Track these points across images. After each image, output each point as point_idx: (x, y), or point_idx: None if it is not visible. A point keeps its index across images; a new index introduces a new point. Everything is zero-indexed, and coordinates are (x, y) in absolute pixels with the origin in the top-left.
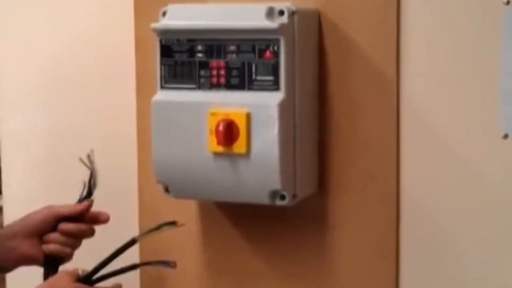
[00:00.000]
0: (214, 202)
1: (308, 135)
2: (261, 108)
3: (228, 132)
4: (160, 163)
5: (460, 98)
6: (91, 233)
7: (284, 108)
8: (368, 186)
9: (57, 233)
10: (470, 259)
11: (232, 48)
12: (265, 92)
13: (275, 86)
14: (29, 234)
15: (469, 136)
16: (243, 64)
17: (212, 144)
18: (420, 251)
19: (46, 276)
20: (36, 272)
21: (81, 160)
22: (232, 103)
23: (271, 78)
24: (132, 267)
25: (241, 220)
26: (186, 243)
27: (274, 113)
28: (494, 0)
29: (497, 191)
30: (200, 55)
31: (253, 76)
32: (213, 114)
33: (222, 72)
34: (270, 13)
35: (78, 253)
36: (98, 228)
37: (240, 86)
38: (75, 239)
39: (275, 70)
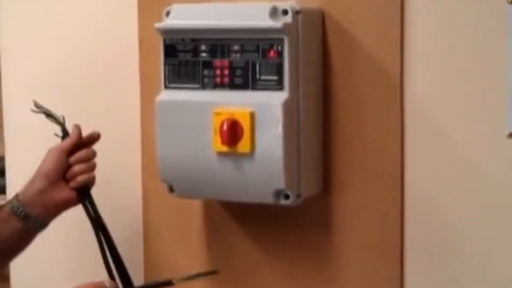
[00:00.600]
0: (218, 202)
1: (312, 135)
2: (265, 108)
3: (232, 132)
4: (164, 163)
5: (464, 96)
6: (95, 153)
7: (288, 107)
8: (372, 186)
9: (76, 166)
10: (475, 258)
11: (236, 47)
12: (269, 91)
13: (279, 86)
14: (53, 181)
15: (473, 134)
16: (247, 63)
17: (216, 144)
18: (425, 251)
19: (87, 208)
20: (39, 269)
21: (33, 110)
22: (236, 102)
23: (275, 77)
24: (167, 283)
25: (245, 219)
26: (190, 242)
27: (278, 112)
28: None
29: (501, 189)
30: (204, 54)
31: (257, 76)
32: (217, 113)
33: (226, 71)
34: (274, 12)
35: (84, 255)
36: None
37: (244, 86)
38: (89, 163)
39: (279, 70)
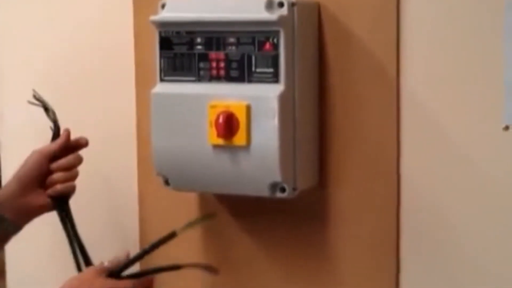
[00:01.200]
0: (214, 195)
1: (308, 128)
2: (261, 100)
3: (228, 125)
4: (160, 156)
5: (460, 91)
6: (80, 160)
7: (284, 100)
8: (368, 179)
9: (56, 173)
10: (472, 252)
11: (232, 40)
12: (265, 84)
13: (274, 78)
14: (29, 186)
15: (469, 129)
16: (242, 56)
17: (212, 137)
18: (421, 244)
19: (62, 217)
20: (35, 265)
21: (30, 102)
22: (232, 95)
23: (270, 70)
24: (175, 267)
25: (241, 212)
26: (185, 235)
27: (274, 105)
28: None
29: (498, 184)
30: (199, 47)
31: (253, 68)
32: (213, 106)
33: (222, 64)
34: (269, 5)
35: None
36: (100, 220)
37: (240, 78)
38: (71, 171)
39: (274, 62)
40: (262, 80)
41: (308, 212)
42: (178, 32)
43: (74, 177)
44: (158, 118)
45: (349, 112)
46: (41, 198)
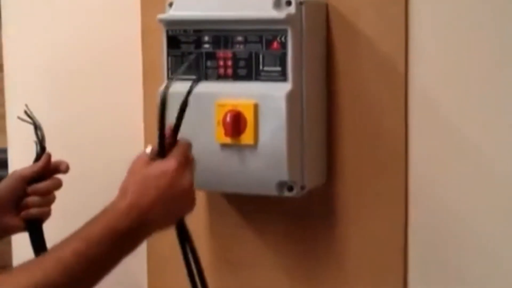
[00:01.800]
0: (221, 194)
1: (316, 126)
2: (268, 99)
3: (236, 123)
4: None
5: (470, 88)
6: (59, 185)
7: (292, 99)
8: (376, 177)
9: (31, 197)
10: (481, 248)
11: (239, 38)
12: (272, 83)
13: (282, 77)
14: (5, 206)
15: (478, 126)
16: (250, 54)
17: (220, 136)
18: (429, 242)
19: (33, 240)
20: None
21: (20, 118)
22: (239, 94)
23: (278, 69)
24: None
25: (248, 211)
26: (193, 234)
27: (282, 104)
28: None
29: (508, 178)
30: (207, 46)
31: (261, 67)
32: (220, 105)
33: (229, 63)
34: (277, 3)
35: None
36: None
37: (248, 77)
38: (48, 196)
39: (282, 61)
40: (269, 78)
41: (316, 211)
42: (185, 31)
43: (49, 202)
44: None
45: (357, 111)
46: (15, 219)
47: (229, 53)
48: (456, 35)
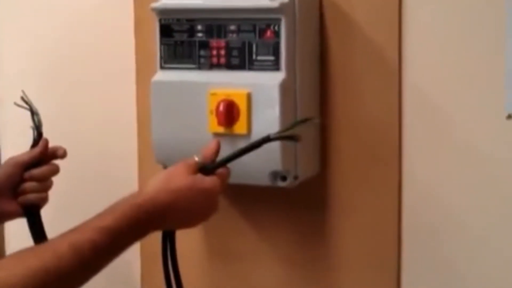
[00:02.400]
0: None
1: (309, 116)
2: (261, 88)
3: (229, 113)
4: (159, 144)
5: (463, 79)
6: (56, 170)
7: (285, 88)
8: (370, 168)
9: (28, 182)
10: (474, 241)
11: (232, 27)
12: (265, 72)
13: (275, 66)
14: (2, 193)
15: (472, 117)
16: (243, 44)
17: (213, 125)
18: (422, 232)
19: (31, 225)
20: None
21: (16, 104)
22: (232, 83)
23: (271, 58)
24: (265, 139)
25: (242, 201)
26: None
27: (275, 93)
28: None
29: (501, 172)
30: (200, 34)
31: (254, 56)
32: (213, 94)
33: (222, 52)
34: None
35: None
36: (100, 208)
37: (241, 66)
38: (45, 182)
39: (275, 50)
40: (263, 68)
41: (309, 201)
42: (178, 20)
43: (47, 188)
44: (158, 106)
45: (350, 101)
46: (12, 204)
47: (222, 42)
48: (449, 27)
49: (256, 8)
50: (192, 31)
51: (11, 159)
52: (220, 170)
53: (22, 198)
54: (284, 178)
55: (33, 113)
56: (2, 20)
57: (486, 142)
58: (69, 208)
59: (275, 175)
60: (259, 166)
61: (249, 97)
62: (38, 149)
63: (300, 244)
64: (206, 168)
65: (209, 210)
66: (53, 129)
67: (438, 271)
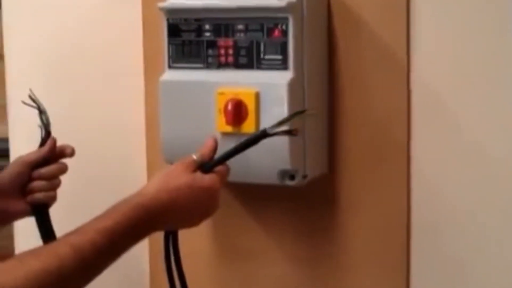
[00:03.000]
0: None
1: (317, 115)
2: (270, 88)
3: (237, 112)
4: (168, 143)
5: (471, 77)
6: (64, 169)
7: (293, 87)
8: (378, 167)
9: (37, 181)
10: (482, 239)
11: (240, 27)
12: (273, 71)
13: (283, 65)
14: (11, 192)
15: (480, 115)
16: (251, 43)
17: (221, 124)
18: (431, 231)
19: (40, 224)
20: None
21: (24, 102)
22: (240, 82)
23: (279, 57)
24: (262, 134)
25: (250, 200)
26: None
27: (283, 92)
28: None
29: (510, 171)
30: (208, 34)
31: (262, 55)
32: (221, 93)
33: (230, 51)
34: None
35: None
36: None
37: (249, 65)
38: (53, 180)
39: (283, 49)
40: (271, 67)
41: (318, 200)
42: (186, 19)
43: (55, 187)
44: (166, 106)
45: (359, 99)
46: (21, 203)
47: (230, 42)
48: (457, 23)
49: (264, 7)
50: (200, 31)
51: (19, 158)
52: (219, 168)
53: (30, 197)
54: (292, 177)
55: (41, 111)
56: (10, 19)
57: (495, 141)
58: (77, 207)
59: (283, 174)
60: (267, 165)
61: (257, 96)
62: (46, 147)
63: (308, 243)
64: (204, 166)
65: (210, 208)
66: (61, 128)
67: (447, 269)
